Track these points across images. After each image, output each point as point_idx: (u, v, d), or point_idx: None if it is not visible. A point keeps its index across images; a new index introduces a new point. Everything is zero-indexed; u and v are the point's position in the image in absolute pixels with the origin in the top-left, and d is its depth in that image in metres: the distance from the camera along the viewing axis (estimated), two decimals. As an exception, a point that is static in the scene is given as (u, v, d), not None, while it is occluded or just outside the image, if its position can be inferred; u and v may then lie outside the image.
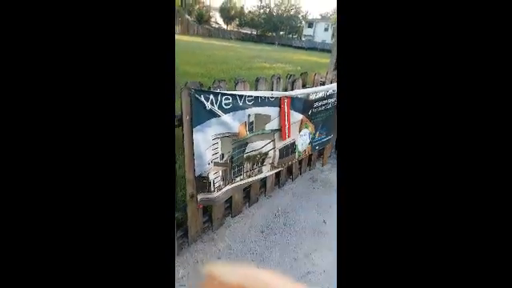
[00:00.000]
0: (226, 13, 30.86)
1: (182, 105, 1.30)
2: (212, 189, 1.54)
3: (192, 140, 1.37)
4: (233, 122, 1.53)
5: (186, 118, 1.32)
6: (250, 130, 1.68)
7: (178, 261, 1.53)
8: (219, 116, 1.44)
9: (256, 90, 1.68)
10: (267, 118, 1.78)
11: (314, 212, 2.08)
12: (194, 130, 1.36)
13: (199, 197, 1.52)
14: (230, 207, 1.85)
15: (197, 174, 1.46)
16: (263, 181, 2.09)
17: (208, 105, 1.37)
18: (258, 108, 1.67)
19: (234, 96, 1.49)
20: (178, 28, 21.00)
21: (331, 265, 1.64)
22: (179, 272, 1.47)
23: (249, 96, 1.58)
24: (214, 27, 28.62)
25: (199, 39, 19.50)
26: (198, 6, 28.27)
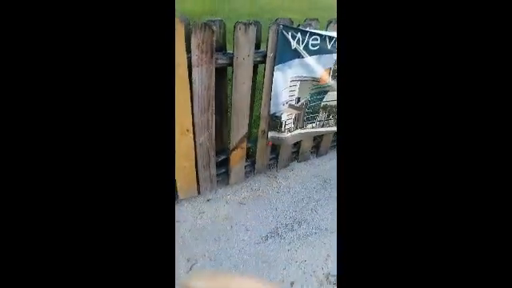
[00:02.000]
0: None
1: (268, 41, 1.31)
2: (283, 129, 1.61)
3: (271, 78, 1.41)
4: (316, 66, 1.47)
5: (269, 55, 1.35)
6: (335, 77, 1.59)
7: (241, 185, 1.75)
8: (303, 57, 1.40)
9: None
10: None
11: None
12: (275, 67, 1.38)
13: (270, 134, 1.62)
14: (298, 152, 1.91)
15: (271, 112, 1.53)
16: (336, 135, 2.03)
17: (294, 44, 1.34)
18: (347, 55, 1.53)
19: (323, 37, 1.40)
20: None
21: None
22: (241, 195, 1.70)
23: (340, 39, 1.45)
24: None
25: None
26: None
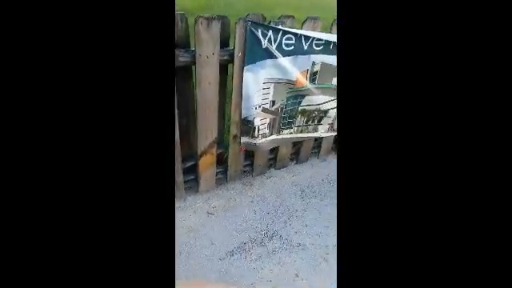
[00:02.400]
0: None
1: (236, 38, 1.20)
2: (256, 134, 1.50)
3: (241, 79, 1.29)
4: (291, 68, 1.36)
5: (237, 54, 1.23)
6: (312, 80, 1.47)
7: (212, 192, 1.64)
8: (276, 58, 1.29)
9: (331, 33, 1.40)
10: (336, 71, 1.51)
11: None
12: (244, 68, 1.27)
13: (242, 140, 1.51)
14: (276, 158, 1.80)
15: (243, 116, 1.42)
16: (319, 141, 1.92)
17: (265, 42, 1.23)
18: (327, 56, 1.42)
19: (298, 36, 1.29)
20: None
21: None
22: (211, 204, 1.58)
23: (318, 39, 1.34)
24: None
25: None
26: None
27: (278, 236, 1.47)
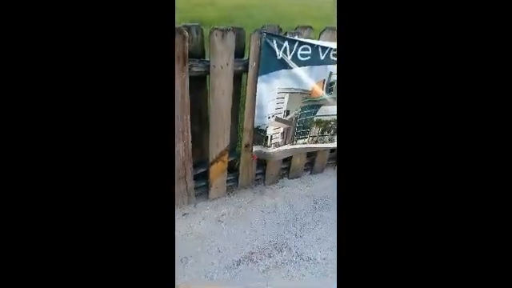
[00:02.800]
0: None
1: (251, 49, 1.20)
2: (268, 143, 1.48)
3: (255, 89, 1.29)
4: (307, 78, 1.34)
5: (252, 65, 1.23)
6: (329, 91, 1.44)
7: (221, 200, 1.64)
8: (291, 68, 1.27)
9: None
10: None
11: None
12: (259, 78, 1.27)
13: (254, 148, 1.50)
14: (289, 168, 1.77)
15: (255, 125, 1.41)
16: (335, 153, 1.86)
17: (280, 53, 1.22)
18: (345, 66, 1.38)
19: (315, 47, 1.27)
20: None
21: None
22: (221, 211, 1.59)
23: (335, 49, 1.31)
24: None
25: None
26: None
27: (288, 249, 1.44)
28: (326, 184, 1.85)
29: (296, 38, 1.22)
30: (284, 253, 1.42)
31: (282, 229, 1.53)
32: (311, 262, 1.39)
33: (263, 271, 1.32)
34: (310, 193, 1.77)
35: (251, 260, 1.36)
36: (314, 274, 1.33)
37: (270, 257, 1.39)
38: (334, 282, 1.30)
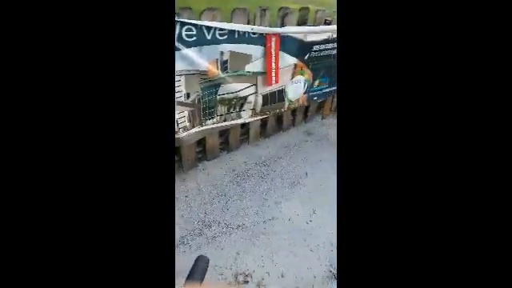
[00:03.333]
0: None
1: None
2: (176, 129, 1.49)
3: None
4: (199, 59, 1.39)
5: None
6: (224, 69, 1.53)
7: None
8: (179, 49, 1.31)
9: (231, 22, 1.48)
10: (247, 58, 1.60)
11: (300, 164, 1.99)
12: (148, 63, 1.25)
13: (163, 136, 1.49)
14: (205, 150, 1.82)
15: (158, 112, 1.40)
16: (246, 128, 2.00)
17: (164, 35, 1.23)
18: (233, 45, 1.49)
19: (198, 27, 1.33)
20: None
21: (297, 215, 1.60)
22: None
23: (220, 29, 1.40)
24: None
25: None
26: None
27: (217, 223, 1.50)
28: (244, 158, 1.98)
29: (176, 18, 1.25)
30: (213, 227, 1.48)
31: (210, 207, 1.59)
32: (240, 228, 1.49)
33: (196, 250, 1.35)
34: (230, 169, 1.87)
35: (183, 243, 1.38)
36: (244, 238, 1.44)
37: (201, 234, 1.43)
38: (263, 238, 1.45)
